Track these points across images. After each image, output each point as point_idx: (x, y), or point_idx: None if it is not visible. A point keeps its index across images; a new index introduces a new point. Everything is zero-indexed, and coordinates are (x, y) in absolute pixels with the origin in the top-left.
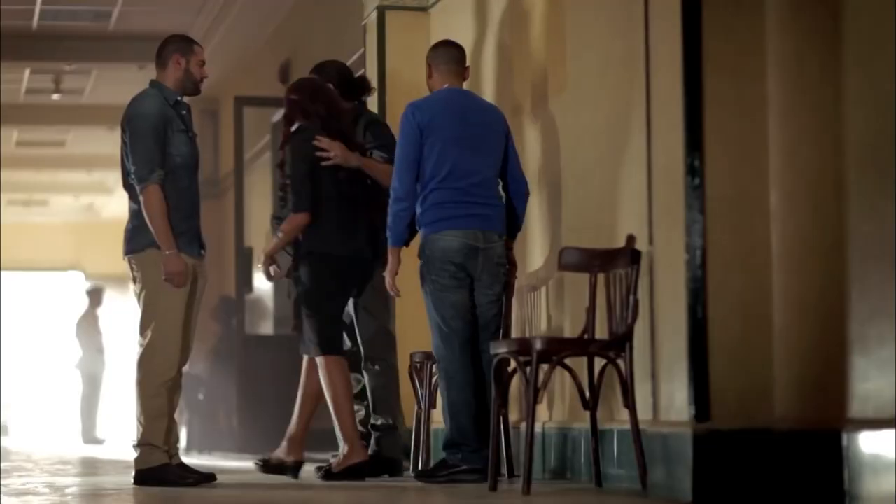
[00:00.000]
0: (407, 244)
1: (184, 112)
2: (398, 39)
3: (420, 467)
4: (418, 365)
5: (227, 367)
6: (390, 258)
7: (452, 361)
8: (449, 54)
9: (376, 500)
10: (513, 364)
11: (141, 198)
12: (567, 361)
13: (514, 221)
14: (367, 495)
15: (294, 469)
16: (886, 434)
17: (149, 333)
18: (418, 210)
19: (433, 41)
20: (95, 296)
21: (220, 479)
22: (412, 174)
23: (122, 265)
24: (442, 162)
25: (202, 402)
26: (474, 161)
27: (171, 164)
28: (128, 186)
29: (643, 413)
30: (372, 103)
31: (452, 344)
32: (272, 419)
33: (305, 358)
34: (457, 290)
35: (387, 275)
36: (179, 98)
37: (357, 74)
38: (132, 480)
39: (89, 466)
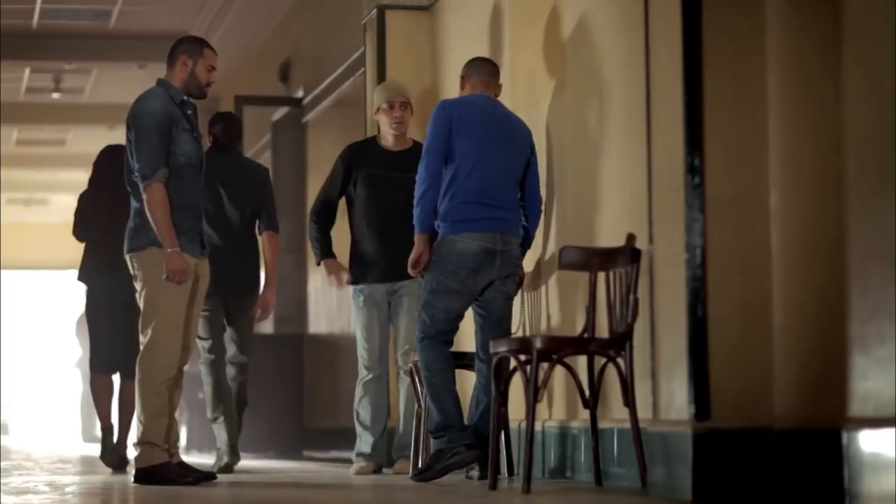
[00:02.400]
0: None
1: (189, 112)
2: (398, 39)
3: (420, 466)
4: (418, 365)
5: None
6: (416, 243)
7: (432, 350)
8: (484, 66)
9: (376, 500)
10: (513, 363)
11: (144, 195)
12: (567, 360)
13: (525, 237)
14: (367, 495)
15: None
16: (886, 433)
17: (149, 332)
18: (439, 208)
19: (434, 40)
20: None
21: (220, 478)
22: (439, 162)
23: None
24: (466, 160)
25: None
26: (497, 165)
27: (176, 163)
28: (130, 184)
29: (643, 412)
30: (373, 103)
31: (433, 336)
32: (272, 418)
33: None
34: (457, 298)
35: (410, 259)
36: (185, 98)
37: (356, 74)
38: (132, 479)
39: (89, 465)
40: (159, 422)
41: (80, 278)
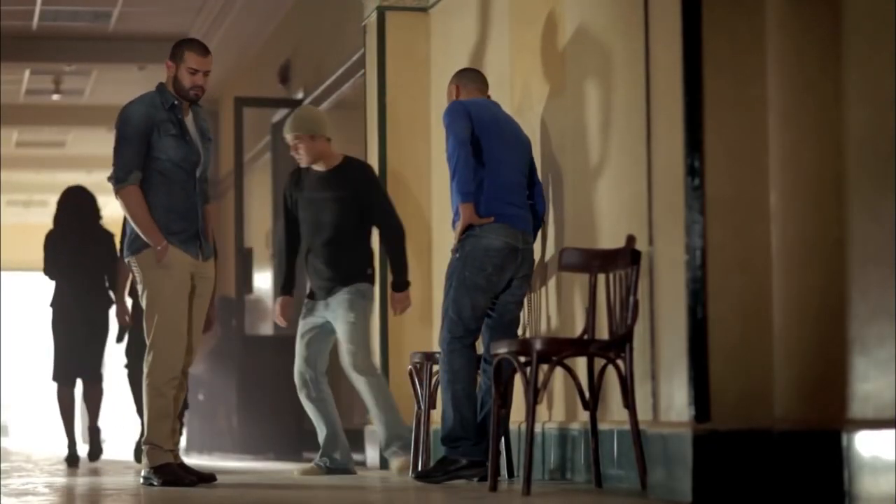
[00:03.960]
0: None
1: (180, 116)
2: (398, 40)
3: (420, 467)
4: (418, 365)
5: (227, 368)
6: (462, 214)
7: (461, 355)
8: (476, 76)
9: (376, 501)
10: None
11: (119, 199)
12: (567, 362)
13: (534, 217)
14: (367, 496)
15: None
16: (886, 434)
17: (151, 334)
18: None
19: (433, 42)
20: None
21: (220, 479)
22: (466, 150)
23: None
24: (487, 157)
25: (202, 403)
26: (511, 164)
27: (160, 167)
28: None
29: (643, 413)
30: (372, 105)
31: (462, 339)
32: (272, 420)
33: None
34: (484, 294)
35: (455, 233)
36: (176, 102)
37: (356, 76)
38: (141, 480)
39: (89, 466)
40: (162, 423)
41: (52, 304)
